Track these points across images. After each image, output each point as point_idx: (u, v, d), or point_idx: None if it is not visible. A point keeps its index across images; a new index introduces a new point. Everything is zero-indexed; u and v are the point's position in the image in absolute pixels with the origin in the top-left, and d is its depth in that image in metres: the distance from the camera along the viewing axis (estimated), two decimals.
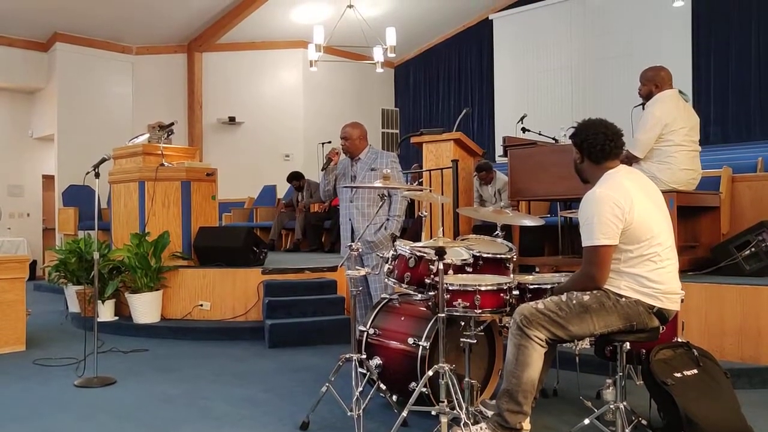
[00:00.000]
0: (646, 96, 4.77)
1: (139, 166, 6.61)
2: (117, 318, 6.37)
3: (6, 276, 5.33)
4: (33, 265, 10.91)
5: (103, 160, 4.52)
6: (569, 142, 3.11)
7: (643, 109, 4.89)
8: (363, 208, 4.50)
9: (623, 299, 2.87)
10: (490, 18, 12.36)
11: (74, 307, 6.83)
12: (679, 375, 3.03)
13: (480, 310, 3.08)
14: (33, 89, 11.50)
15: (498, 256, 3.48)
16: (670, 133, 4.55)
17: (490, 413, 3.05)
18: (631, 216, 2.81)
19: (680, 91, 4.80)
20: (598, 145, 2.94)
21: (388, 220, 4.47)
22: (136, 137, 7.00)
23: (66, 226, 10.04)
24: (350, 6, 9.71)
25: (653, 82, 4.75)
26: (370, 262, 4.44)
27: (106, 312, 6.29)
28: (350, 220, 4.55)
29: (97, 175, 4.40)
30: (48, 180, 11.81)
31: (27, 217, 11.80)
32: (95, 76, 11.29)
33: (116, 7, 10.18)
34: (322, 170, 4.71)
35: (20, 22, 10.33)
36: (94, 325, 4.59)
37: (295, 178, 9.52)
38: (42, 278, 10.41)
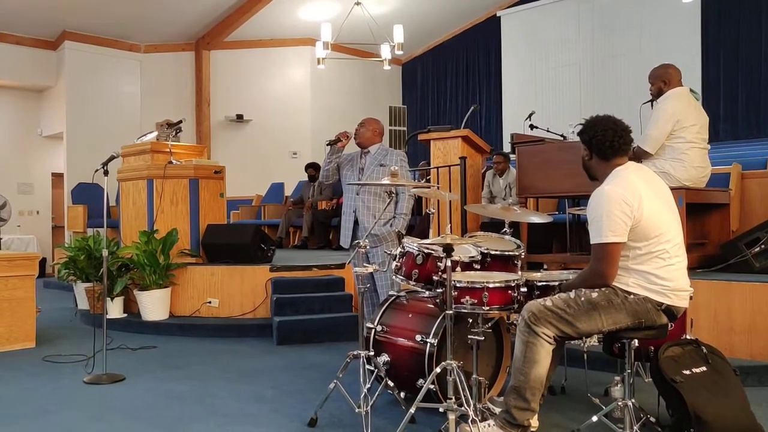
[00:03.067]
0: (657, 94, 4.75)
1: (148, 163, 6.63)
2: (126, 315, 6.40)
3: (16, 273, 5.37)
4: (42, 262, 10.99)
5: (111, 158, 4.54)
6: (577, 139, 3.10)
7: (652, 106, 4.87)
8: (368, 201, 4.49)
9: (631, 296, 2.86)
10: (497, 15, 12.33)
11: (83, 304, 6.88)
12: (687, 372, 3.02)
13: (488, 307, 3.07)
14: (42, 88, 11.56)
15: (506, 253, 3.48)
16: (681, 130, 4.53)
17: (497, 410, 3.05)
18: (639, 213, 2.80)
19: (691, 90, 4.78)
20: (607, 142, 2.93)
21: (394, 217, 4.47)
22: (145, 135, 7.04)
23: (75, 224, 10.09)
24: (358, 3, 9.71)
25: (661, 79, 4.73)
26: (376, 258, 4.44)
27: (114, 309, 6.32)
28: (354, 212, 4.55)
29: (105, 173, 4.42)
30: (57, 178, 11.87)
31: (36, 215, 11.87)
32: (104, 74, 11.34)
33: (124, 5, 10.22)
34: (327, 144, 4.68)
35: (29, 20, 10.38)
36: (103, 322, 4.62)
37: (312, 166, 9.53)
38: (51, 275, 10.47)
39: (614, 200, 2.80)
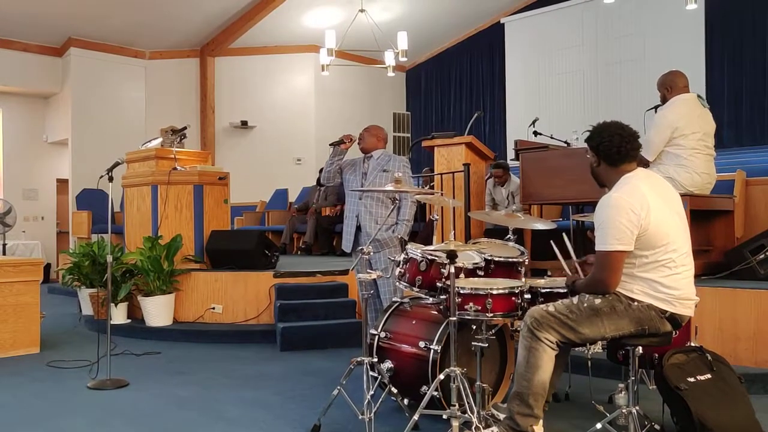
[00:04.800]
0: (663, 101, 4.75)
1: (152, 170, 6.65)
2: (130, 321, 6.41)
3: (20, 279, 5.38)
4: (47, 268, 11.00)
5: (116, 164, 4.55)
6: (582, 145, 3.09)
7: (656, 112, 4.87)
8: (371, 206, 4.50)
9: (635, 303, 2.85)
10: (501, 22, 12.36)
11: (87, 309, 6.88)
12: (692, 380, 3.00)
13: (491, 314, 3.07)
14: (47, 94, 11.62)
15: (510, 259, 3.48)
16: (681, 137, 4.51)
17: (501, 416, 3.04)
18: (647, 221, 2.77)
19: (699, 96, 4.76)
20: (614, 148, 2.90)
21: (396, 223, 4.48)
22: (149, 141, 7.04)
23: (80, 230, 10.12)
24: (362, 10, 9.75)
25: (665, 86, 4.74)
26: (379, 264, 4.44)
27: (119, 315, 6.32)
28: (357, 216, 4.56)
29: (110, 179, 4.44)
30: (62, 184, 11.91)
31: (41, 221, 11.91)
32: (109, 80, 11.39)
33: (130, 12, 10.27)
34: (330, 145, 4.71)
35: (35, 27, 10.45)
36: (107, 328, 4.62)
37: None
38: (56, 281, 10.50)
39: (621, 208, 2.79)
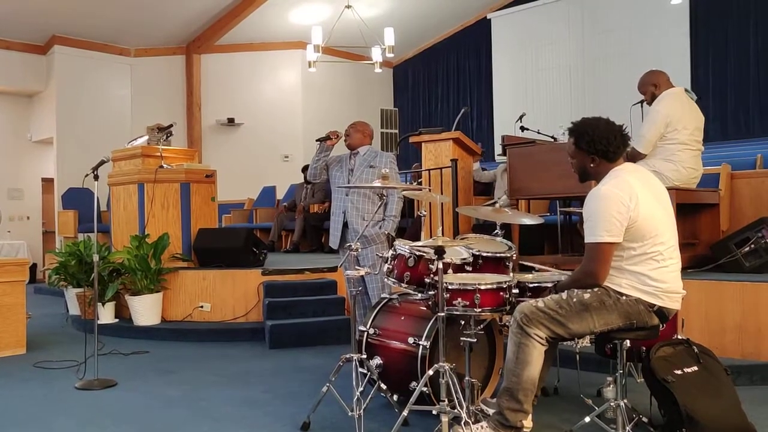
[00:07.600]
0: (651, 99, 4.77)
1: (138, 168, 6.61)
2: (117, 320, 6.37)
3: (6, 279, 5.33)
4: (33, 268, 10.93)
5: (101, 163, 4.52)
6: (569, 140, 3.08)
7: (642, 107, 4.90)
8: (357, 202, 4.51)
9: (624, 297, 2.86)
10: (488, 17, 12.36)
11: (74, 309, 6.84)
12: (679, 372, 3.03)
13: (480, 309, 3.08)
14: (32, 92, 11.50)
15: (498, 254, 3.48)
16: (674, 132, 4.55)
17: (490, 412, 3.05)
18: (635, 213, 2.79)
19: (686, 90, 4.79)
20: (620, 146, 2.91)
21: (384, 219, 4.48)
22: (135, 139, 7.00)
23: (66, 229, 10.04)
24: (348, 6, 9.70)
25: (651, 83, 4.77)
26: (367, 261, 4.45)
27: (106, 314, 6.28)
28: (344, 213, 4.56)
29: (96, 178, 4.40)
30: (47, 183, 11.82)
31: (27, 221, 11.80)
32: (94, 78, 11.29)
33: (114, 9, 10.18)
34: (316, 141, 4.70)
35: (18, 25, 10.33)
36: (94, 328, 4.59)
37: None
38: (42, 281, 10.41)
39: (611, 200, 2.80)
